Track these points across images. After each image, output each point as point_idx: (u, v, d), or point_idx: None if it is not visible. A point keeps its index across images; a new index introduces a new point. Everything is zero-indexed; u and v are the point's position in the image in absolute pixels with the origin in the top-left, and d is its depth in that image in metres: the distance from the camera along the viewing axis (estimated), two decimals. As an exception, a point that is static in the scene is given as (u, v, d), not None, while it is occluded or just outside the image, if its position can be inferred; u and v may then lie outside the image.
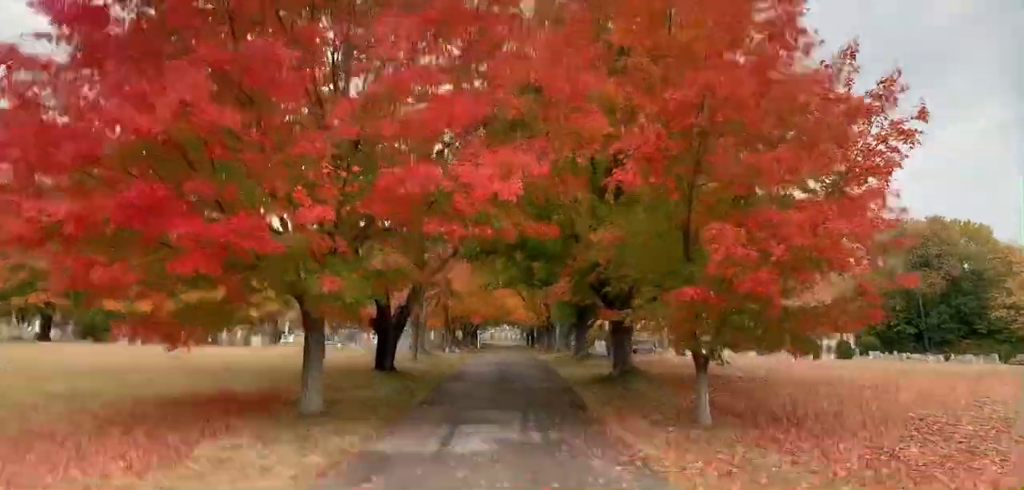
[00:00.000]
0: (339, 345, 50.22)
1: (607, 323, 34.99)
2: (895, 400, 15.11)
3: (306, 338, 12.51)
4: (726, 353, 11.93)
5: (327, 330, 51.48)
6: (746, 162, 10.09)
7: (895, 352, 58.65)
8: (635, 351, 26.41)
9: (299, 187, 9.36)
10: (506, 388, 19.50)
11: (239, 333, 52.70)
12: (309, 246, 9.94)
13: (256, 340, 55.85)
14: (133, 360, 22.74)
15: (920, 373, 26.12)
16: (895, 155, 10.53)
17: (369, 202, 9.97)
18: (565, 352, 45.48)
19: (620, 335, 23.05)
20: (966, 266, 65.14)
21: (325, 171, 9.79)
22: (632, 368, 22.35)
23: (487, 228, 10.10)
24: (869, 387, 17.82)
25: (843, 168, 10.85)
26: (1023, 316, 60.20)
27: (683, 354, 11.83)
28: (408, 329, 29.38)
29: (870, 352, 58.42)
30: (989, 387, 19.07)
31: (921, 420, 11.99)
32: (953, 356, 54.31)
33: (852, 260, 9.97)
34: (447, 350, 50.19)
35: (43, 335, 54.21)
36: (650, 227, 12.15)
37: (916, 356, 55.17)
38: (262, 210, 10.40)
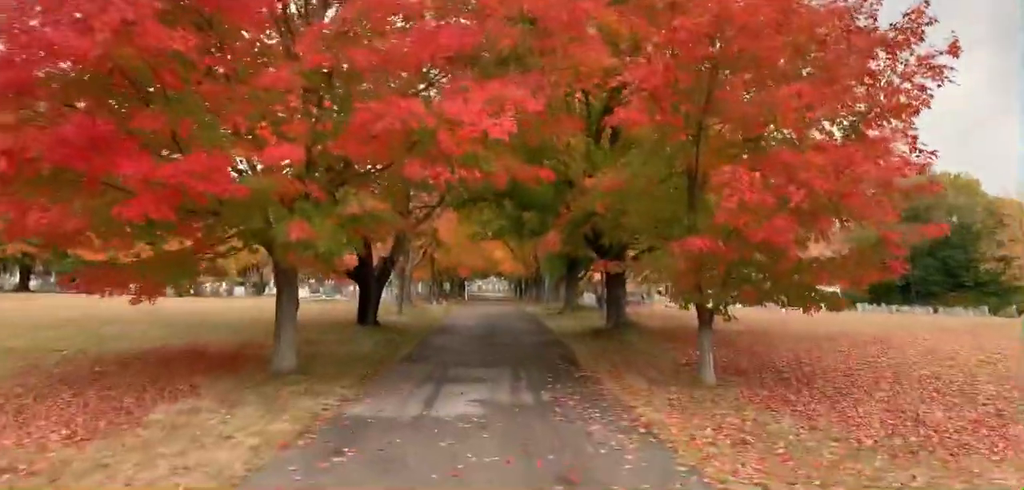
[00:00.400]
0: (324, 297, 49.34)
1: (598, 274, 34.29)
2: (902, 356, 14.45)
3: (278, 290, 11.59)
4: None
5: (313, 282, 50.00)
6: (761, 99, 9.14)
7: (883, 304, 58.47)
8: (628, 303, 25.72)
9: (263, 123, 8.34)
10: (494, 342, 18.71)
11: (222, 285, 51.88)
12: (277, 190, 8.96)
13: (240, 291, 55.06)
14: (110, 311, 21.70)
15: (917, 326, 25.61)
16: (921, 93, 9.65)
17: (344, 141, 8.92)
18: (554, 304, 44.75)
19: (615, 287, 22.36)
20: (954, 219, 64.77)
21: (292, 105, 8.72)
22: (626, 320, 21.71)
23: (475, 171, 9.11)
24: (872, 342, 17.17)
25: (863, 107, 9.95)
26: (1012, 268, 60.11)
27: (685, 307, 11.00)
28: (393, 281, 28.47)
29: (858, 304, 58.27)
30: (990, 340, 18.51)
31: (937, 378, 11.29)
32: (940, 308, 54.24)
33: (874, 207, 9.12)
34: (434, 302, 49.43)
35: (22, 286, 52.94)
36: (650, 172, 11.23)
37: (904, 308, 55.07)
38: (225, 149, 9.37)
